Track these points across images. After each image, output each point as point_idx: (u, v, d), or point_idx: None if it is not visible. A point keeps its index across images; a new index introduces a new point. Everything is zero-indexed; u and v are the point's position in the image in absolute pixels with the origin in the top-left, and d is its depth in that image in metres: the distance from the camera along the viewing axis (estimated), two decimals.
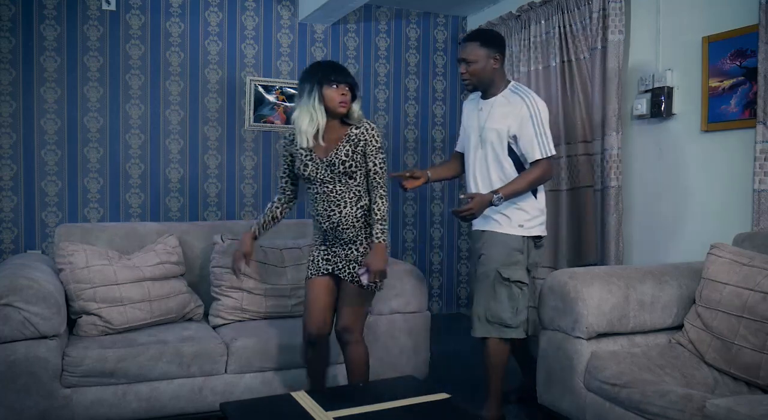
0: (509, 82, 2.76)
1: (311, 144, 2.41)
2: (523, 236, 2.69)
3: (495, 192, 2.60)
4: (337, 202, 2.44)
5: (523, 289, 2.70)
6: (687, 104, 3.29)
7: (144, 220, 4.30)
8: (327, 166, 2.41)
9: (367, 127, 2.44)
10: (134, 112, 4.29)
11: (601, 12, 3.62)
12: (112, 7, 4.19)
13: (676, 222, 3.36)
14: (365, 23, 4.86)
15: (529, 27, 4.19)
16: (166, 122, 4.37)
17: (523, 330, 2.74)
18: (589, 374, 2.36)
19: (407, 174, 2.83)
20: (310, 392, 2.19)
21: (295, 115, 2.43)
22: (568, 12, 3.87)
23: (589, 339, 2.42)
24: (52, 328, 2.44)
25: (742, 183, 2.98)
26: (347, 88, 2.42)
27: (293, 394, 2.17)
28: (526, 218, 2.69)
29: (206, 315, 3.12)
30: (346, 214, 2.44)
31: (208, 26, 4.43)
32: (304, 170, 2.44)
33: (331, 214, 2.45)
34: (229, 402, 2.31)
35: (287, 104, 4.64)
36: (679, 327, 2.51)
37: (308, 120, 2.38)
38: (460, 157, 3.00)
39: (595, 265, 3.67)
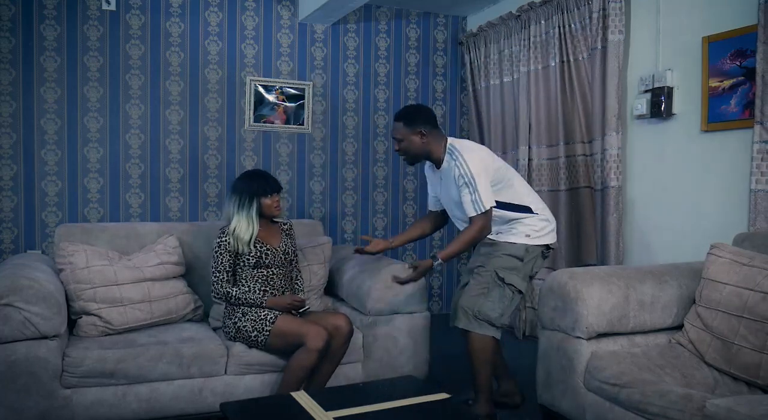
0: (447, 141, 2.82)
1: (246, 250, 2.79)
2: (528, 245, 2.78)
3: (434, 257, 2.78)
4: (289, 279, 2.93)
5: (515, 294, 2.78)
6: (687, 104, 3.29)
7: (144, 220, 4.30)
8: (283, 253, 2.88)
9: (291, 223, 3.06)
10: (134, 112, 4.29)
11: (601, 12, 3.62)
12: (112, 7, 4.19)
13: (676, 222, 3.36)
14: (365, 23, 4.86)
15: (529, 27, 4.19)
16: (166, 122, 4.37)
17: (501, 332, 2.82)
18: (589, 374, 2.36)
19: (369, 238, 3.01)
20: (310, 392, 2.19)
21: (234, 222, 2.80)
22: (567, 12, 3.87)
23: (589, 339, 2.42)
24: (53, 328, 2.44)
25: (743, 183, 2.98)
26: (278, 194, 2.88)
27: (293, 394, 2.17)
28: (535, 229, 2.80)
29: (206, 316, 3.12)
30: (298, 285, 3.03)
31: (208, 26, 4.43)
32: (265, 259, 2.81)
33: (285, 289, 2.88)
34: (229, 402, 2.31)
35: (287, 104, 4.64)
36: (679, 327, 2.51)
37: (246, 227, 2.79)
38: (433, 216, 3.12)
39: (595, 265, 3.67)
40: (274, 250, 2.85)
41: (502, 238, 2.82)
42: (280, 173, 4.65)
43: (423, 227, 3.12)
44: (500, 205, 2.77)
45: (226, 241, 2.79)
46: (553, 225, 2.87)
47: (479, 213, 2.67)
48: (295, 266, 3.03)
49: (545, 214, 2.85)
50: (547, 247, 2.85)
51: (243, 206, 2.81)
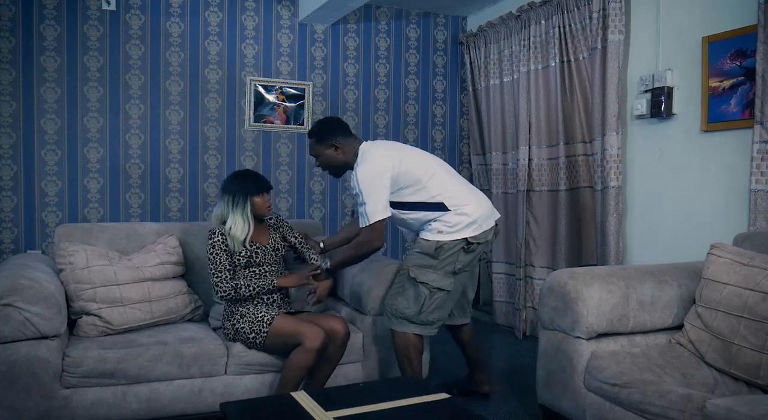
0: (359, 147, 2.82)
1: (240, 249, 2.79)
2: (441, 241, 2.72)
3: (325, 262, 2.85)
4: (278, 275, 2.93)
5: (433, 291, 2.72)
6: (687, 104, 3.29)
7: (144, 220, 4.31)
8: (273, 250, 2.89)
9: (277, 215, 3.07)
10: (134, 112, 4.29)
11: (601, 12, 3.62)
12: (112, 7, 4.19)
13: (676, 222, 3.36)
14: (365, 23, 4.86)
15: (529, 27, 4.19)
16: (166, 122, 4.37)
17: (435, 328, 2.79)
18: (589, 374, 2.36)
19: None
20: (310, 392, 2.19)
21: (230, 221, 2.79)
22: (567, 12, 3.87)
23: (589, 339, 2.42)
24: (53, 328, 2.44)
25: (742, 183, 2.98)
26: (267, 193, 2.88)
27: (293, 394, 2.17)
28: (448, 225, 2.73)
29: (206, 316, 3.12)
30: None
31: (208, 26, 4.43)
32: (255, 257, 2.82)
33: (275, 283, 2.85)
34: (229, 402, 2.31)
35: (287, 104, 4.64)
36: (679, 327, 2.51)
37: (242, 226, 2.79)
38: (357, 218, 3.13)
39: (595, 265, 3.67)
40: (263, 248, 2.86)
41: (421, 235, 2.80)
42: (280, 173, 4.65)
43: (350, 231, 3.10)
44: (412, 206, 2.75)
45: (219, 240, 2.78)
46: (473, 218, 2.72)
47: (365, 226, 2.66)
48: (303, 244, 3.05)
49: (464, 209, 2.73)
50: (467, 241, 2.72)
51: (237, 205, 2.81)
